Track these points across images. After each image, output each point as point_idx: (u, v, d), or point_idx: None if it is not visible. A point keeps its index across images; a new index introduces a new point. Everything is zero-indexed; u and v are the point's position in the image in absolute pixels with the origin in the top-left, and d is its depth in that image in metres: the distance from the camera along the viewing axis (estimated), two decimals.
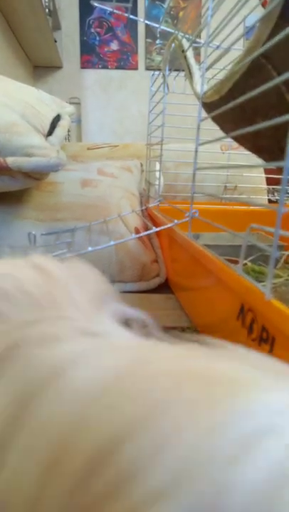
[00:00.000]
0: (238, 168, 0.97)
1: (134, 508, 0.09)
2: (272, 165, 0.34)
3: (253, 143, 0.50)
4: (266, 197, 1.03)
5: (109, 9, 0.72)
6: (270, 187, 1.03)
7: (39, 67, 2.12)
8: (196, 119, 0.46)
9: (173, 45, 0.59)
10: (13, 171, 0.56)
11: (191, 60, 0.53)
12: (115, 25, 2.13)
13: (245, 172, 0.98)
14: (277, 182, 0.98)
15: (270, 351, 0.28)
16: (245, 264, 0.49)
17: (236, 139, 0.52)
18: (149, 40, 2.14)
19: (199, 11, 1.99)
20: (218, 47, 0.57)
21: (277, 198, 1.05)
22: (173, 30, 0.58)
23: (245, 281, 0.32)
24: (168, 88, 0.69)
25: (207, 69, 0.46)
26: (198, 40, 0.56)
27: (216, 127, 0.51)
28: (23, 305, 0.19)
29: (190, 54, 0.54)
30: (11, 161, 0.55)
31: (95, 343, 0.16)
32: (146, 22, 0.74)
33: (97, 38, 2.14)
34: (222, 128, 0.51)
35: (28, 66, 2.02)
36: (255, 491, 0.08)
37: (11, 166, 0.55)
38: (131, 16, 0.70)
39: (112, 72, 2.19)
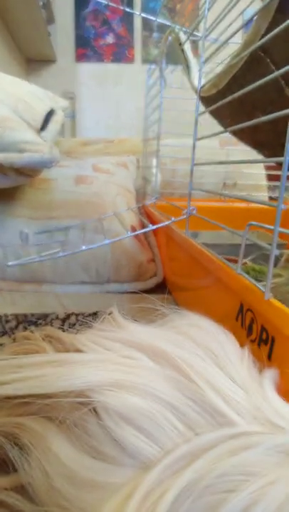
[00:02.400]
0: (237, 165, 0.96)
1: None
2: (272, 161, 0.33)
3: (252, 138, 0.49)
4: (266, 194, 1.02)
5: (105, 2, 0.70)
6: (271, 183, 1.02)
7: (32, 61, 2.09)
8: (194, 113, 0.45)
9: (170, 38, 0.58)
10: (4, 167, 0.54)
11: (189, 54, 0.52)
12: (111, 18, 2.10)
13: (245, 169, 0.97)
14: (277, 179, 0.97)
15: (270, 352, 0.27)
16: (245, 263, 0.48)
17: (235, 134, 0.51)
18: (145, 33, 2.12)
19: (197, 4, 1.97)
20: (216, 40, 0.56)
21: (277, 195, 1.04)
22: (170, 23, 0.57)
23: (245, 280, 0.31)
24: (165, 82, 0.67)
25: (204, 62, 0.45)
26: (195, 33, 0.55)
27: (215, 122, 0.50)
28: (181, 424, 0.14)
29: (187, 47, 0.52)
30: (2, 157, 0.53)
31: None
32: (143, 15, 0.72)
33: (93, 31, 2.11)
34: (220, 123, 0.50)
35: (21, 60, 1.99)
36: None
37: (2, 162, 0.53)
38: (127, 9, 0.69)
39: (108, 65, 2.16)
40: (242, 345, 0.25)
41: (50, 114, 0.66)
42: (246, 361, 0.19)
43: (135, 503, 0.12)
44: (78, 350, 0.18)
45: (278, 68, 0.34)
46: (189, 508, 0.12)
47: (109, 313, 0.22)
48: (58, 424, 0.15)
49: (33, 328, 0.47)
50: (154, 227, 0.55)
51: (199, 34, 0.58)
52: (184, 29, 0.55)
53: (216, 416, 0.15)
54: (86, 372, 0.16)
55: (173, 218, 0.53)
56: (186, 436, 0.14)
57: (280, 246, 0.55)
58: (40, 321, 0.48)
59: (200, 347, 0.18)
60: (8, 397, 0.16)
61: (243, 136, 0.51)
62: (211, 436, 0.14)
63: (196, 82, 0.47)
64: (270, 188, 1.02)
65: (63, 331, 0.47)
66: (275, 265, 0.51)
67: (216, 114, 0.48)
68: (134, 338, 0.19)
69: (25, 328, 0.47)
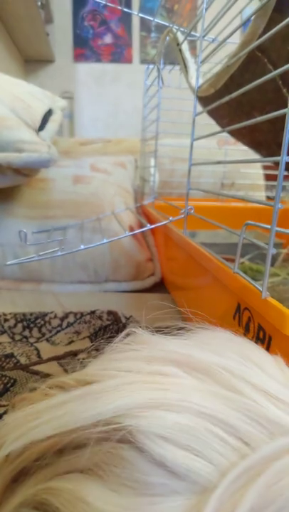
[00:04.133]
0: (234, 164, 0.96)
1: None
2: (268, 160, 0.33)
3: (249, 138, 0.49)
4: (264, 193, 1.02)
5: (103, 2, 0.70)
6: (268, 183, 1.02)
7: (31, 61, 2.09)
8: (192, 113, 0.45)
9: (168, 38, 0.58)
10: (2, 167, 0.54)
11: (186, 54, 0.52)
12: (109, 18, 2.10)
13: (243, 168, 0.98)
14: (275, 178, 0.96)
15: (267, 350, 0.27)
16: (243, 262, 0.48)
17: (233, 134, 0.51)
18: (143, 33, 2.12)
19: (195, 4, 1.97)
20: (213, 40, 0.56)
21: (274, 194, 1.04)
22: (168, 23, 0.57)
23: (242, 279, 0.32)
24: (163, 82, 0.67)
25: (202, 62, 0.45)
26: (193, 33, 0.55)
27: (213, 122, 0.50)
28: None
29: (185, 47, 0.52)
30: (1, 156, 0.53)
31: None
32: (141, 15, 0.72)
33: (91, 31, 2.11)
34: (218, 123, 0.50)
35: (19, 60, 1.98)
36: None
37: (1, 162, 0.53)
38: (125, 9, 0.69)
39: (106, 65, 2.16)
40: None
41: (48, 114, 0.67)
42: (283, 365, 0.17)
43: None
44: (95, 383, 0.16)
45: (276, 68, 0.34)
46: None
47: (128, 334, 0.19)
48: (90, 468, 0.13)
49: (32, 326, 0.47)
50: (152, 226, 0.55)
51: (197, 34, 0.58)
52: (181, 29, 0.55)
53: (271, 426, 0.13)
54: (111, 399, 0.14)
55: (171, 218, 0.53)
56: (242, 451, 0.12)
57: (277, 245, 0.56)
58: (38, 320, 0.48)
59: (236, 353, 0.16)
60: (36, 459, 0.14)
61: (240, 136, 0.51)
62: (270, 448, 0.12)
63: (193, 82, 0.47)
64: (268, 188, 1.02)
65: (62, 329, 0.47)
66: (273, 264, 0.52)
67: (213, 114, 0.48)
68: (160, 353, 0.16)
69: (23, 328, 0.47)
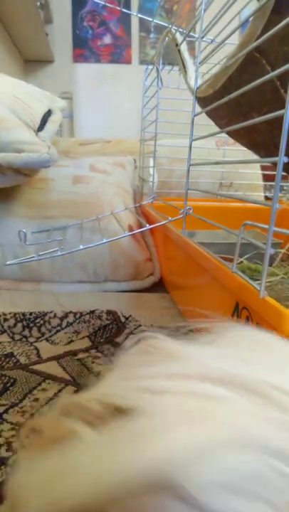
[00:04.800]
0: (233, 165, 0.97)
1: None
2: (266, 161, 0.33)
3: (247, 139, 0.49)
4: (262, 194, 1.02)
5: (102, 2, 0.70)
6: (267, 183, 1.02)
7: (30, 62, 2.09)
8: (191, 114, 0.46)
9: (167, 38, 0.58)
10: (2, 167, 0.54)
11: (185, 54, 0.52)
12: (108, 19, 2.10)
13: (241, 169, 0.98)
14: (273, 178, 0.97)
15: None
16: (241, 262, 0.48)
17: (231, 134, 0.51)
18: (142, 33, 2.12)
19: (194, 5, 1.97)
20: (212, 41, 0.56)
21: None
22: (167, 24, 0.57)
23: (240, 279, 0.32)
24: (162, 82, 0.68)
25: (200, 63, 0.45)
26: (192, 33, 0.55)
27: (212, 123, 0.50)
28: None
29: (184, 48, 0.53)
30: (0, 157, 0.53)
31: None
32: (140, 15, 0.72)
33: (90, 32, 2.11)
34: (217, 123, 0.50)
35: (19, 60, 1.98)
36: None
37: (0, 162, 0.53)
38: (124, 10, 0.69)
39: (105, 66, 2.16)
40: None
41: (47, 114, 0.67)
42: None
43: None
44: (124, 410, 0.13)
45: (274, 69, 0.35)
46: None
47: (150, 338, 0.17)
48: None
49: (31, 325, 0.47)
50: (151, 226, 0.56)
51: (196, 35, 0.58)
52: (180, 30, 0.56)
53: None
54: (152, 445, 0.11)
55: (170, 218, 0.54)
56: None
57: (275, 245, 0.56)
58: (38, 320, 0.48)
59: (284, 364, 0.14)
60: None
61: (239, 136, 0.52)
62: None
63: (192, 83, 0.47)
64: (267, 188, 1.03)
65: (61, 329, 0.47)
66: (271, 264, 0.52)
67: (212, 114, 0.48)
68: (197, 368, 0.14)
69: (23, 327, 0.47)
